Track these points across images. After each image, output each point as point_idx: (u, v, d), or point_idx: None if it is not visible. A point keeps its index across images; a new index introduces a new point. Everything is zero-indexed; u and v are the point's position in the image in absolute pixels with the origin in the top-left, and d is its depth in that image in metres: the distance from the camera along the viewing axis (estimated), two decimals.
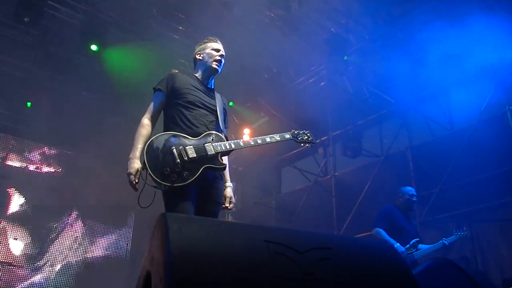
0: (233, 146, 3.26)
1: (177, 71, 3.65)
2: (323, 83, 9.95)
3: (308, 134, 3.65)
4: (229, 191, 3.43)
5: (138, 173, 3.08)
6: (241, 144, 3.30)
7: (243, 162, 10.98)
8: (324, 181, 9.98)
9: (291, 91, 10.06)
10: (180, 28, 8.63)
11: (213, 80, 3.61)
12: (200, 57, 3.63)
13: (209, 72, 3.59)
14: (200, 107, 3.39)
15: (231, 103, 9.83)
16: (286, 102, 10.16)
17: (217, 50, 3.61)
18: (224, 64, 3.59)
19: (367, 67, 9.23)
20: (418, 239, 5.62)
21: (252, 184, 11.15)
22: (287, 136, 3.52)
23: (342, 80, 9.57)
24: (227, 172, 3.45)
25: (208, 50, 3.61)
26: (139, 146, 3.17)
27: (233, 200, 3.43)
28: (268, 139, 3.35)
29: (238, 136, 10.17)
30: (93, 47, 8.04)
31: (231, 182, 3.48)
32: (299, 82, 10.12)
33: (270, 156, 10.88)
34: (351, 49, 9.00)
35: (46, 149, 9.23)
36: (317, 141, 9.36)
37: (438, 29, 7.38)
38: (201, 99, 3.43)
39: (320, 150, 10.46)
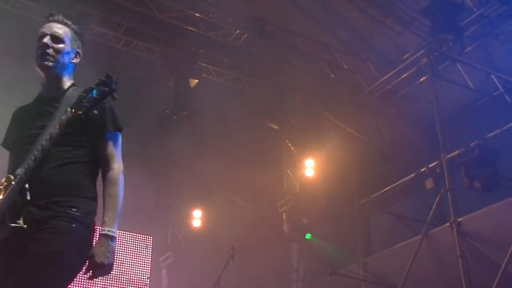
0: None
1: None
2: (423, 77, 8.78)
3: (103, 79, 2.59)
4: None
5: None
6: None
7: (307, 209, 9.92)
8: (441, 232, 8.36)
9: (373, 95, 9.43)
10: None
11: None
12: None
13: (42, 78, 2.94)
14: None
15: None
16: (367, 112, 9.54)
17: (41, 36, 2.83)
18: (62, 55, 2.78)
19: (497, 46, 8.23)
20: None
21: (324, 244, 10.12)
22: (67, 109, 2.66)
23: (455, 70, 8.62)
24: None
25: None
26: None
27: None
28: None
29: (298, 171, 9.93)
30: None
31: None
32: (385, 80, 9.17)
33: (348, 199, 9.87)
34: (468, 19, 8.06)
35: None
36: (423, 169, 8.49)
37: None
38: None
39: (428, 183, 8.86)
